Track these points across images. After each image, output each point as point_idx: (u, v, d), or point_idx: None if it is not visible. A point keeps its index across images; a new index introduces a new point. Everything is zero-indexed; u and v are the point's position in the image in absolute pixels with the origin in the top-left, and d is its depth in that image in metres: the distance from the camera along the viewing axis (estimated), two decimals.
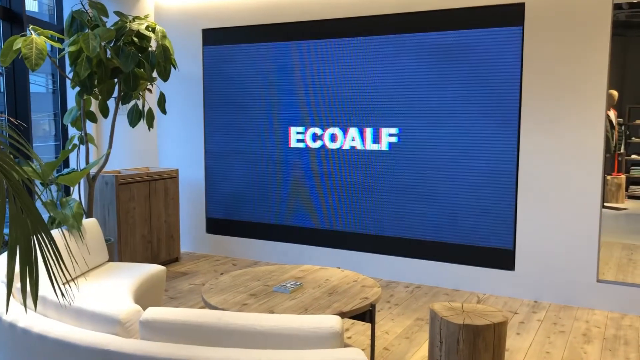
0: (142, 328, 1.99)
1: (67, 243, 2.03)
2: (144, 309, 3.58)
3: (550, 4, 4.21)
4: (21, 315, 2.16)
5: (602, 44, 4.08)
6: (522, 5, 4.30)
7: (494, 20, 4.40)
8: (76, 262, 3.36)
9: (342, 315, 2.83)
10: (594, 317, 4.10)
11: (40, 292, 2.25)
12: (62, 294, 1.67)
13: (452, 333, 2.72)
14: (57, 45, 3.90)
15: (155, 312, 2.00)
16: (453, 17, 4.54)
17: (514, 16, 4.34)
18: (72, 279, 2.05)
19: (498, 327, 2.73)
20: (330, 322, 1.93)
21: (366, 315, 3.05)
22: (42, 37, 3.77)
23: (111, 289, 3.21)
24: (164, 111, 4.56)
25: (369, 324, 3.89)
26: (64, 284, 1.82)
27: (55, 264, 1.67)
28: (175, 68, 4.50)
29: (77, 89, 4.49)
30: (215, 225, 5.82)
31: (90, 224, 3.76)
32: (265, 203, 5.50)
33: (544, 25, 4.25)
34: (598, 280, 4.26)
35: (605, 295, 4.23)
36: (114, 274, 3.52)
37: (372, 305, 2.99)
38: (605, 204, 4.27)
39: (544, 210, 4.38)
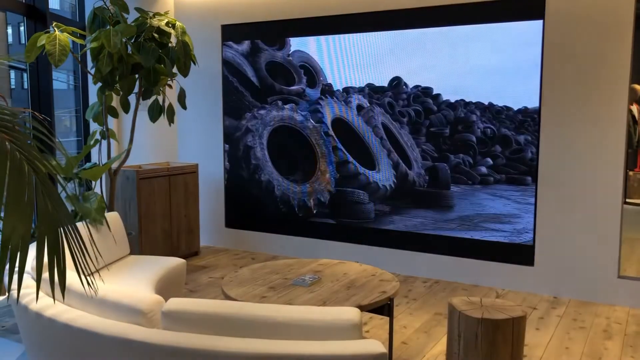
0: (164, 318, 2.02)
1: (90, 236, 2.07)
2: (166, 300, 3.63)
3: None
4: (47, 305, 2.22)
5: (624, 38, 4.03)
6: None
7: (514, 13, 4.37)
8: (100, 255, 3.42)
9: (360, 308, 2.85)
10: (615, 313, 4.06)
11: (69, 285, 2.30)
12: (89, 284, 1.71)
13: (470, 327, 2.72)
14: (79, 41, 3.96)
15: (177, 303, 2.03)
16: (467, 10, 4.51)
17: (535, 9, 4.30)
18: (96, 271, 2.09)
19: (517, 322, 2.72)
20: (350, 314, 1.95)
21: (384, 308, 3.07)
22: (65, 33, 3.83)
23: (133, 281, 3.26)
24: (184, 106, 4.61)
25: (387, 318, 3.90)
26: (88, 275, 1.86)
27: (81, 256, 1.71)
28: (195, 64, 4.54)
29: (99, 84, 4.56)
30: (234, 220, 5.87)
31: (112, 217, 3.82)
32: (284, 197, 5.53)
33: (565, 19, 4.20)
34: (619, 277, 4.22)
35: (627, 292, 4.19)
36: (135, 267, 3.57)
37: (390, 299, 3.00)
38: (627, 200, 4.23)
39: (564, 205, 4.34)
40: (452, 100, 4.67)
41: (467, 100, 4.60)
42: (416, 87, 4.80)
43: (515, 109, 4.44)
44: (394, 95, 4.90)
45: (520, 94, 4.41)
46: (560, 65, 4.25)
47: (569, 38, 4.21)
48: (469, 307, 2.83)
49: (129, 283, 3.24)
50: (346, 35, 5.05)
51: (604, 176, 4.19)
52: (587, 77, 4.18)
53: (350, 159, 5.15)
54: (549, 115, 4.33)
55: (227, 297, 3.01)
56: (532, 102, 4.38)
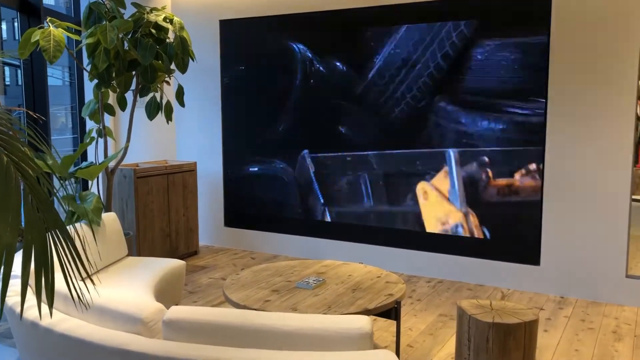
0: (165, 328, 1.93)
1: (83, 240, 1.98)
2: (164, 304, 3.54)
3: None
4: (44, 314, 2.12)
5: (633, 35, 3.94)
6: None
7: (520, 13, 4.27)
8: (98, 257, 3.33)
9: (367, 312, 2.76)
10: (624, 313, 3.99)
11: (63, 290, 2.21)
12: (79, 297, 1.61)
13: (481, 332, 2.64)
14: (74, 37, 3.85)
15: (179, 312, 1.94)
16: (464, 8, 4.42)
17: (540, 7, 4.21)
18: (89, 276, 1.98)
19: (529, 326, 2.64)
20: (360, 322, 1.86)
21: (391, 312, 2.98)
22: (59, 29, 3.72)
23: (131, 285, 3.17)
24: (182, 104, 4.51)
25: (392, 320, 3.82)
26: (83, 279, 1.77)
27: (71, 264, 1.62)
28: (193, 60, 4.44)
29: (95, 81, 4.45)
30: (234, 219, 5.77)
31: (109, 218, 3.72)
32: (284, 196, 5.44)
33: (572, 16, 4.11)
34: (627, 276, 4.14)
35: (635, 291, 4.11)
36: (133, 269, 3.48)
37: (397, 302, 2.92)
38: (632, 197, 4.15)
39: (570, 203, 4.26)
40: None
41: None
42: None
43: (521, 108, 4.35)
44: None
45: (525, 90, 4.32)
46: (566, 62, 4.16)
47: (575, 36, 4.11)
48: (479, 310, 2.75)
49: (128, 286, 3.15)
50: (355, 30, 4.95)
51: (611, 173, 4.11)
52: (594, 74, 4.09)
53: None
54: (555, 111, 4.24)
55: (229, 301, 2.92)
56: (538, 97, 4.29)
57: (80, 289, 1.70)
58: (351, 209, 5.10)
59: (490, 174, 4.48)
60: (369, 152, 4.96)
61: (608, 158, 4.11)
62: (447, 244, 4.75)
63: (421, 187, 4.72)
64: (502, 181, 4.45)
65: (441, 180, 4.67)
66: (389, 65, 4.79)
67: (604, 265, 4.20)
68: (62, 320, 2.05)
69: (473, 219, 4.60)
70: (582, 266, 4.27)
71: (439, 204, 4.71)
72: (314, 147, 5.22)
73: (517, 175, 4.40)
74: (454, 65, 4.54)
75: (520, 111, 4.36)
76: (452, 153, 4.60)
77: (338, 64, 5.03)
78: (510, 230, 4.49)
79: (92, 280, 1.81)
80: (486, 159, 4.48)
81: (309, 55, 5.16)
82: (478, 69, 4.45)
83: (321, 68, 5.12)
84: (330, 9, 5.01)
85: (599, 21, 4.04)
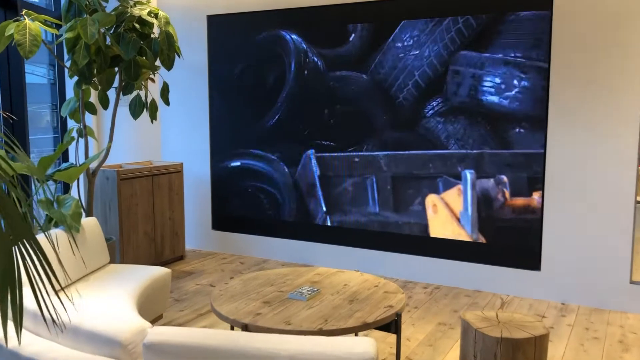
0: (147, 351, 1.73)
1: (57, 249, 1.78)
2: (149, 315, 3.33)
3: None
4: (10, 336, 1.91)
5: (637, 29, 3.79)
6: None
7: (520, 2, 4.11)
8: (77, 266, 3.11)
9: (366, 326, 2.58)
10: (629, 321, 3.84)
11: (33, 306, 2.00)
12: (52, 318, 1.41)
13: (488, 347, 2.46)
14: (53, 31, 3.62)
15: (161, 333, 1.74)
16: (476, 1, 4.25)
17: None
18: (62, 289, 1.79)
19: (540, 341, 2.47)
20: (364, 345, 1.67)
21: (391, 325, 2.80)
22: (36, 22, 3.50)
23: (112, 296, 2.95)
24: (167, 102, 4.29)
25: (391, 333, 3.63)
26: (56, 292, 1.56)
27: (42, 280, 1.42)
28: (179, 56, 4.23)
29: (75, 78, 4.23)
30: (222, 222, 5.56)
31: (89, 223, 3.50)
32: (274, 198, 5.24)
33: (575, 10, 3.95)
34: (631, 282, 3.99)
35: None
36: (115, 278, 3.26)
37: (398, 315, 2.73)
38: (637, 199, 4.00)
39: (573, 206, 4.11)
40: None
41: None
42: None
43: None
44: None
45: (527, 90, 4.16)
46: (569, 59, 4.00)
47: (578, 31, 3.96)
48: (485, 324, 2.57)
49: (108, 298, 2.93)
50: (348, 27, 4.76)
51: (615, 175, 3.96)
52: (598, 72, 3.93)
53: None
54: (556, 111, 4.08)
55: (218, 314, 2.72)
56: (539, 98, 4.13)
57: (53, 307, 1.50)
58: (354, 216, 4.91)
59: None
60: (377, 153, 4.77)
61: (612, 159, 3.96)
62: (443, 248, 4.58)
63: (431, 199, 4.51)
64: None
65: (454, 197, 4.44)
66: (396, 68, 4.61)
67: (607, 270, 4.05)
68: (31, 343, 1.84)
69: (480, 237, 4.43)
70: (584, 271, 4.12)
71: (449, 223, 4.50)
72: (308, 147, 5.02)
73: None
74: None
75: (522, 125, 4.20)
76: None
77: (333, 56, 4.84)
78: (509, 233, 4.33)
79: (67, 296, 1.61)
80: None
81: (304, 47, 4.96)
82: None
83: (316, 61, 4.92)
84: (325, 4, 4.82)
85: (601, 14, 3.88)
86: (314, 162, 4.99)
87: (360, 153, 4.78)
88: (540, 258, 4.25)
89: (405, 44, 4.50)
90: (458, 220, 4.46)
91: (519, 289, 4.33)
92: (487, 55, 4.23)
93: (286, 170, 5.14)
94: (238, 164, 5.38)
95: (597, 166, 4.01)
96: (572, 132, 4.05)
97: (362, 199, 4.82)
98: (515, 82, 4.18)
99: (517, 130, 4.21)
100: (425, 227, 4.60)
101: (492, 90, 4.25)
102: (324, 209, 4.98)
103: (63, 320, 1.86)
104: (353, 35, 4.71)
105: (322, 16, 4.84)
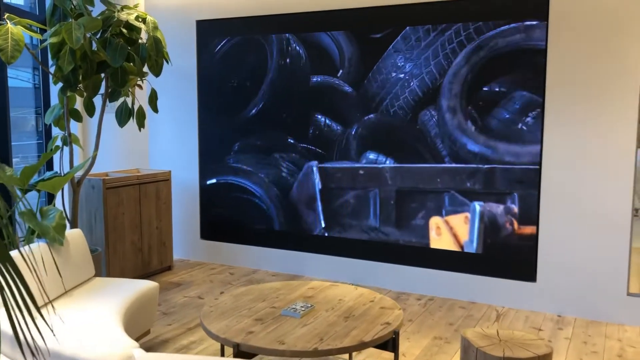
0: None
1: (34, 265, 1.66)
2: (135, 331, 3.21)
3: None
4: None
5: (636, 38, 3.74)
6: None
7: (516, 12, 4.05)
8: (61, 280, 2.98)
9: (363, 345, 2.48)
10: (626, 334, 3.77)
11: (8, 331, 1.87)
12: (31, 350, 1.30)
13: None
14: (36, 36, 3.50)
15: None
16: (472, 9, 4.18)
17: (538, 8, 3.99)
18: (40, 315, 1.69)
19: None
20: None
21: (388, 343, 2.70)
22: (19, 26, 3.37)
23: (98, 314, 2.83)
24: (155, 109, 4.17)
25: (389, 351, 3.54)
26: (35, 317, 1.45)
27: (19, 304, 1.31)
28: (167, 62, 4.11)
29: (60, 84, 4.10)
30: (211, 231, 5.44)
31: (74, 235, 3.37)
32: (264, 207, 5.13)
33: (570, 17, 3.90)
34: (628, 294, 3.93)
35: (637, 310, 3.90)
36: (101, 293, 3.13)
37: (395, 333, 2.64)
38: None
39: (568, 215, 4.04)
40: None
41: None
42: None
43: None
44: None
45: (521, 96, 4.10)
46: (565, 66, 3.95)
47: (574, 38, 3.90)
48: (487, 342, 2.49)
49: (94, 315, 2.81)
50: (337, 33, 4.68)
51: (612, 184, 3.90)
52: (594, 79, 3.88)
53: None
54: (553, 117, 4.02)
55: (208, 333, 2.61)
56: (535, 105, 4.07)
57: (30, 334, 1.39)
58: (354, 231, 4.81)
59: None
60: (382, 165, 4.68)
61: (608, 167, 3.90)
62: (437, 258, 4.49)
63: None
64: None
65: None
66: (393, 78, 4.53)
67: (604, 282, 3.98)
68: None
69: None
70: (580, 283, 4.05)
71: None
72: (302, 156, 4.93)
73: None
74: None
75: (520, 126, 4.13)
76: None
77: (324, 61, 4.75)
78: (504, 244, 4.25)
79: (45, 322, 1.49)
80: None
81: (297, 50, 4.87)
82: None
83: (308, 67, 4.83)
84: (313, 10, 4.73)
85: (597, 21, 3.83)
86: (316, 173, 4.89)
87: (361, 164, 4.69)
88: (536, 269, 4.18)
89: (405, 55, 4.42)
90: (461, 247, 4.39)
91: (515, 301, 4.26)
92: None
93: (279, 177, 5.04)
94: (228, 171, 5.27)
95: (593, 177, 3.95)
96: (568, 144, 3.99)
97: (363, 212, 4.72)
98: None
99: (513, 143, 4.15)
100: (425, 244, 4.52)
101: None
102: (323, 222, 4.89)
103: (41, 349, 1.75)
104: (346, 47, 4.63)
105: (313, 22, 4.75)
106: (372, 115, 4.55)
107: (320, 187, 4.83)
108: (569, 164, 4.01)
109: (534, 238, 4.15)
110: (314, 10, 4.73)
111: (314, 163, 4.84)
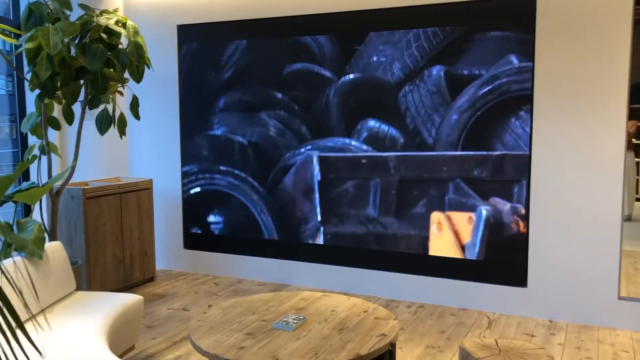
0: None
1: (13, 281, 1.55)
2: (119, 346, 3.08)
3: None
4: None
5: (623, 42, 3.73)
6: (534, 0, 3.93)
7: (503, 17, 4.02)
8: (40, 295, 2.85)
9: (360, 359, 2.39)
10: (618, 338, 3.75)
11: None
12: None
13: None
14: (11, 41, 3.37)
15: None
16: (455, 12, 4.14)
17: (525, 14, 3.96)
18: (19, 328, 1.57)
19: None
20: None
21: (384, 356, 2.62)
22: None
23: (80, 331, 2.70)
24: (137, 116, 4.05)
25: None
26: (25, 328, 1.34)
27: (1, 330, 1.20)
28: (149, 68, 4.00)
29: (37, 91, 3.96)
30: (194, 240, 5.32)
31: (54, 248, 3.24)
32: (248, 215, 5.02)
33: (557, 22, 3.88)
34: (619, 298, 3.91)
35: (629, 314, 3.88)
36: (82, 309, 3.00)
37: (392, 345, 2.56)
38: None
39: (559, 220, 4.01)
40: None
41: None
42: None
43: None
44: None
45: (511, 100, 4.07)
46: (552, 70, 3.92)
47: (561, 43, 3.88)
48: (486, 353, 2.42)
49: (76, 332, 2.68)
50: (322, 37, 4.60)
51: (602, 188, 3.88)
52: (582, 83, 3.86)
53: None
54: (541, 121, 4.00)
55: (198, 349, 2.50)
56: (523, 109, 4.04)
57: (15, 351, 1.28)
58: (350, 223, 4.73)
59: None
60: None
61: (598, 171, 3.88)
62: (426, 265, 4.43)
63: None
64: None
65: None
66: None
67: (595, 286, 3.96)
68: None
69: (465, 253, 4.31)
70: (571, 287, 4.02)
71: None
72: (284, 161, 4.84)
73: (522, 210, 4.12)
74: None
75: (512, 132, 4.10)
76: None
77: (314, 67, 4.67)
78: (495, 250, 4.21)
79: (32, 343, 1.38)
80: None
81: (278, 58, 4.78)
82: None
83: (294, 69, 4.75)
84: (296, 14, 4.65)
85: (585, 25, 3.81)
86: (315, 165, 4.80)
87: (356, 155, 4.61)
88: (527, 274, 4.15)
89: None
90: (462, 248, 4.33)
91: (506, 306, 4.21)
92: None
93: (260, 184, 4.94)
94: (211, 179, 5.15)
95: (583, 182, 3.93)
96: (558, 148, 3.97)
97: (360, 205, 4.65)
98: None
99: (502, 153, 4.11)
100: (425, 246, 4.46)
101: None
102: (319, 218, 4.80)
103: None
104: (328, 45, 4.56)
105: (305, 26, 4.67)
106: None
107: (318, 179, 4.75)
108: (558, 168, 3.98)
109: (525, 243, 4.12)
110: (297, 14, 4.65)
111: (315, 152, 4.75)
